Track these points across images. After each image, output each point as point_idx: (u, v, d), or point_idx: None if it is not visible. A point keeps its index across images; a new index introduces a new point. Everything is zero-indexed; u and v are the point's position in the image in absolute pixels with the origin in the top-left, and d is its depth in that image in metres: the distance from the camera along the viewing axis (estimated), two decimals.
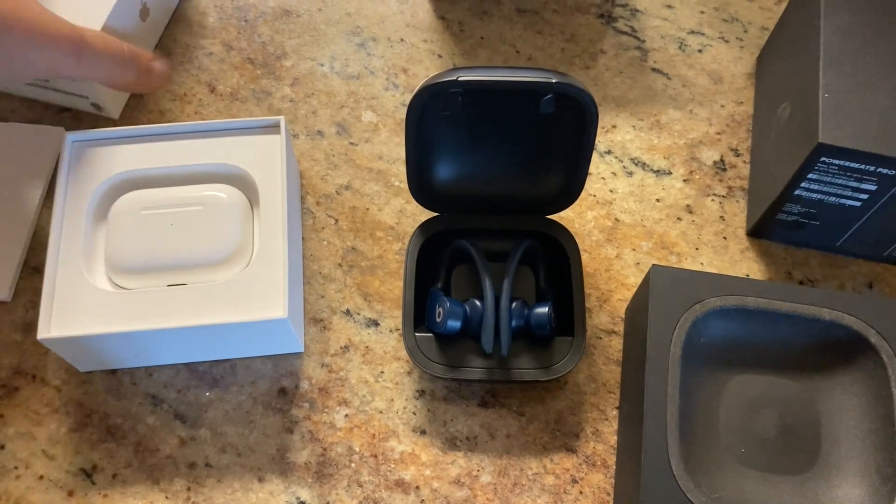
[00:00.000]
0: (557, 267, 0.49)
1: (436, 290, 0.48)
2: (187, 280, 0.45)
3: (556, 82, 0.42)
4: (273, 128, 0.49)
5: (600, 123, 0.56)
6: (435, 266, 0.49)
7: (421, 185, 0.48)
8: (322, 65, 0.58)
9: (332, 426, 0.47)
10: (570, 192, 0.48)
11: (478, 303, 0.46)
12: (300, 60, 0.58)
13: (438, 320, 0.45)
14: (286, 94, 0.56)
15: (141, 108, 0.56)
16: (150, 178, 0.48)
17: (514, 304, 0.46)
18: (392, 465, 0.46)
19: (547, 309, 0.46)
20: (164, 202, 0.47)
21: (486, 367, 0.46)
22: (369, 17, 0.59)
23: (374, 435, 0.47)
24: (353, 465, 0.46)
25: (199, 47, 0.58)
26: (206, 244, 0.46)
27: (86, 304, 0.44)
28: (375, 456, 0.46)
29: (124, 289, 0.45)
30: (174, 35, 0.58)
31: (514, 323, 0.46)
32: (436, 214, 0.50)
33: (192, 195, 0.47)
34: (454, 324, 0.45)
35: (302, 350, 0.48)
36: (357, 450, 0.46)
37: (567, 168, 0.47)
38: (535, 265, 0.50)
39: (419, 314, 0.47)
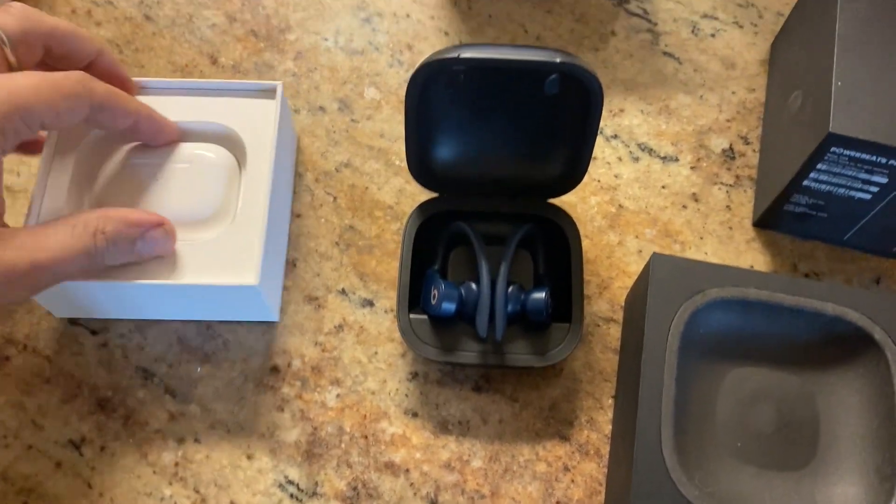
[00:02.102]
0: (557, 252, 0.48)
1: (432, 271, 0.47)
2: None
3: (560, 62, 0.40)
4: (269, 92, 0.49)
5: (608, 107, 0.55)
6: (433, 247, 0.48)
7: (421, 165, 0.47)
8: (326, 39, 0.57)
9: (323, 405, 0.46)
10: (573, 175, 0.47)
11: (474, 286, 0.45)
12: (304, 34, 0.57)
13: (433, 302, 0.45)
14: (289, 67, 0.56)
15: (142, 76, 0.55)
16: None
17: (510, 289, 0.45)
18: (382, 447, 0.46)
19: (544, 294, 0.45)
20: (151, 156, 0.47)
21: (480, 351, 0.45)
22: None
23: (365, 416, 0.46)
24: (343, 445, 0.46)
25: (202, 18, 0.57)
26: (189, 202, 0.46)
27: None
28: (366, 437, 0.46)
29: None
30: (177, 5, 0.57)
31: (510, 307, 0.45)
32: (435, 195, 0.49)
33: (180, 152, 0.47)
34: (449, 306, 0.45)
35: (276, 319, 0.48)
36: (348, 430, 0.46)
37: (571, 151, 0.46)
38: (534, 250, 0.49)
39: (415, 296, 0.46)
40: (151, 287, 0.43)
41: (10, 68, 0.41)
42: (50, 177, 0.45)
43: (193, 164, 0.46)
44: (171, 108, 0.48)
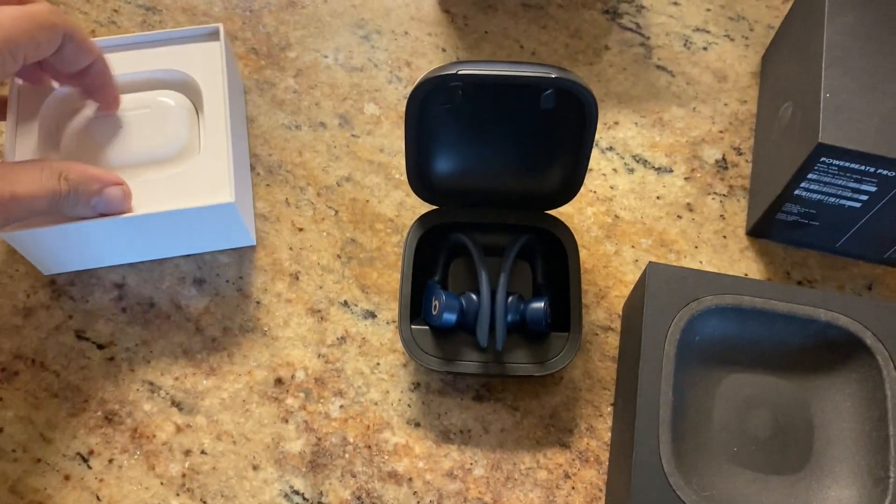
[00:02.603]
0: (555, 262, 0.49)
1: (433, 282, 0.48)
2: (139, 178, 0.47)
3: (555, 77, 0.42)
4: (213, 35, 0.51)
5: (603, 120, 0.56)
6: (433, 259, 0.49)
7: (420, 178, 0.48)
8: (326, 56, 0.58)
9: (326, 416, 0.47)
10: (569, 187, 0.48)
11: (474, 297, 0.46)
12: (304, 52, 0.58)
13: (434, 313, 0.46)
14: (290, 85, 0.57)
15: None
16: None
17: (510, 299, 0.46)
18: (386, 457, 0.46)
19: (543, 304, 0.46)
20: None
21: (480, 361, 0.46)
22: (374, 9, 0.59)
23: (368, 426, 0.47)
24: (346, 455, 0.46)
25: None
26: (155, 143, 0.48)
27: None
28: (369, 447, 0.46)
29: None
30: (179, 24, 0.58)
31: (509, 317, 0.46)
32: (435, 208, 0.50)
33: (139, 100, 0.49)
34: (450, 317, 0.45)
35: (254, 243, 0.51)
36: (351, 441, 0.47)
37: (567, 163, 0.47)
38: (532, 260, 0.50)
39: (416, 307, 0.47)
40: (136, 219, 0.45)
41: None
42: (17, 142, 0.47)
43: (153, 108, 0.49)
44: (122, 63, 0.50)
